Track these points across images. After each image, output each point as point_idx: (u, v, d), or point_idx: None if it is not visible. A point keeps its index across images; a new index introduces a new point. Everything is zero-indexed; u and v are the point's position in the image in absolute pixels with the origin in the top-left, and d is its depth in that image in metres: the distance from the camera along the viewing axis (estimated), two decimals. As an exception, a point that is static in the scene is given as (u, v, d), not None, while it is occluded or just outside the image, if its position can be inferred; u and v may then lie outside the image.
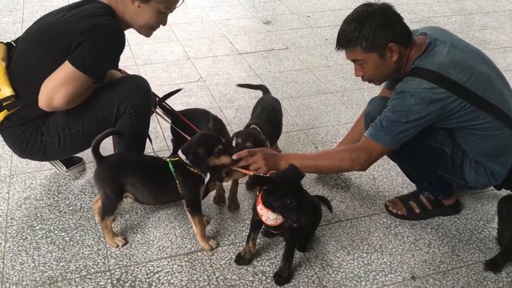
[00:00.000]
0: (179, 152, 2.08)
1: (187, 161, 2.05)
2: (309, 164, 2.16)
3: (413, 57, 2.05)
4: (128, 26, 2.23)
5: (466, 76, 1.97)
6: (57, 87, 2.02)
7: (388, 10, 2.02)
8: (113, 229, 2.20)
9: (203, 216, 2.18)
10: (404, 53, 2.05)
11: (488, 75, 2.06)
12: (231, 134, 2.46)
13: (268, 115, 2.57)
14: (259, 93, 2.93)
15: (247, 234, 2.18)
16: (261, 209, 1.94)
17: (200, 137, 2.10)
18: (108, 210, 2.10)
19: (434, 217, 2.44)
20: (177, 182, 2.07)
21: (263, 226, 2.08)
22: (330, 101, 3.54)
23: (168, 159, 2.12)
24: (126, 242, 2.22)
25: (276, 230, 2.02)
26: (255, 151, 2.08)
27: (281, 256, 2.13)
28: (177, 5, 2.21)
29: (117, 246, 2.18)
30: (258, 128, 2.37)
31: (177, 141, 2.56)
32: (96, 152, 2.07)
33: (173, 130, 2.59)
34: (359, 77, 2.17)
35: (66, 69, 2.01)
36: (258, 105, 2.70)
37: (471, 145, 2.13)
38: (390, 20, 2.00)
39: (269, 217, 1.92)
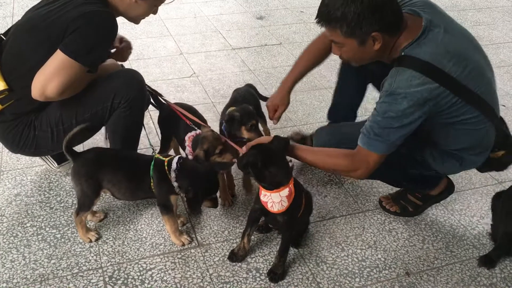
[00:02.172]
0: (174, 161, 2.05)
1: (173, 172, 2.03)
2: (310, 158, 2.09)
3: (402, 43, 1.85)
4: (119, 14, 2.20)
5: (460, 68, 1.81)
6: (50, 77, 1.98)
7: None
8: (101, 224, 2.18)
9: (174, 215, 2.16)
10: (389, 41, 1.85)
11: (480, 64, 1.93)
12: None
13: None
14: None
15: (241, 231, 2.17)
16: (264, 196, 1.93)
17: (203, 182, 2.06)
18: (85, 206, 2.09)
19: (429, 208, 2.45)
20: (151, 181, 2.06)
21: (261, 220, 2.09)
22: (324, 96, 3.52)
23: (156, 155, 2.10)
24: (100, 237, 2.20)
25: (273, 224, 2.01)
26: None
27: (275, 253, 2.12)
28: None
29: (90, 241, 2.16)
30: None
31: (164, 137, 2.54)
32: (69, 151, 2.05)
33: (160, 126, 2.56)
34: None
35: (58, 58, 1.97)
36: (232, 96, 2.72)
37: (453, 140, 2.00)
38: (380, 3, 1.75)
39: (273, 201, 1.90)
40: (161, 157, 2.09)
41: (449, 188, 2.43)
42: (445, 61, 1.79)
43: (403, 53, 1.84)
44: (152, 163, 2.06)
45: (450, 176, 2.42)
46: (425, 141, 2.06)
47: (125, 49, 2.49)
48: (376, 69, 2.11)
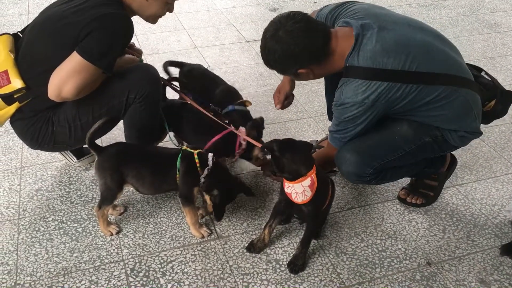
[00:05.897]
0: (210, 157, 2.09)
1: (207, 170, 2.06)
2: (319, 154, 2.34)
3: (344, 53, 1.95)
4: (134, 14, 2.21)
5: (402, 58, 1.89)
6: (65, 78, 2.00)
7: (293, 33, 1.89)
8: (121, 218, 2.20)
9: (195, 207, 2.18)
10: (320, 67, 2.00)
11: (425, 42, 1.98)
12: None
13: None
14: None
15: (260, 222, 2.18)
16: (288, 187, 1.94)
17: None
18: (107, 200, 2.11)
19: (449, 197, 2.45)
20: (177, 173, 2.08)
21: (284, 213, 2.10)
22: (340, 87, 3.49)
23: (184, 147, 2.12)
24: (120, 230, 2.22)
25: (298, 215, 2.04)
26: None
27: (294, 244, 2.12)
28: None
29: (111, 234, 2.18)
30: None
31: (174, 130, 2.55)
32: (93, 145, 2.07)
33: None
34: None
35: (74, 60, 1.99)
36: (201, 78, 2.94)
37: (437, 118, 2.05)
38: (291, 51, 1.91)
39: (297, 192, 1.91)
40: (189, 149, 2.11)
41: (454, 160, 2.50)
42: (385, 59, 1.89)
43: (347, 64, 1.96)
44: (180, 155, 2.08)
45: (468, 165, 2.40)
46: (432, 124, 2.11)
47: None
48: None
